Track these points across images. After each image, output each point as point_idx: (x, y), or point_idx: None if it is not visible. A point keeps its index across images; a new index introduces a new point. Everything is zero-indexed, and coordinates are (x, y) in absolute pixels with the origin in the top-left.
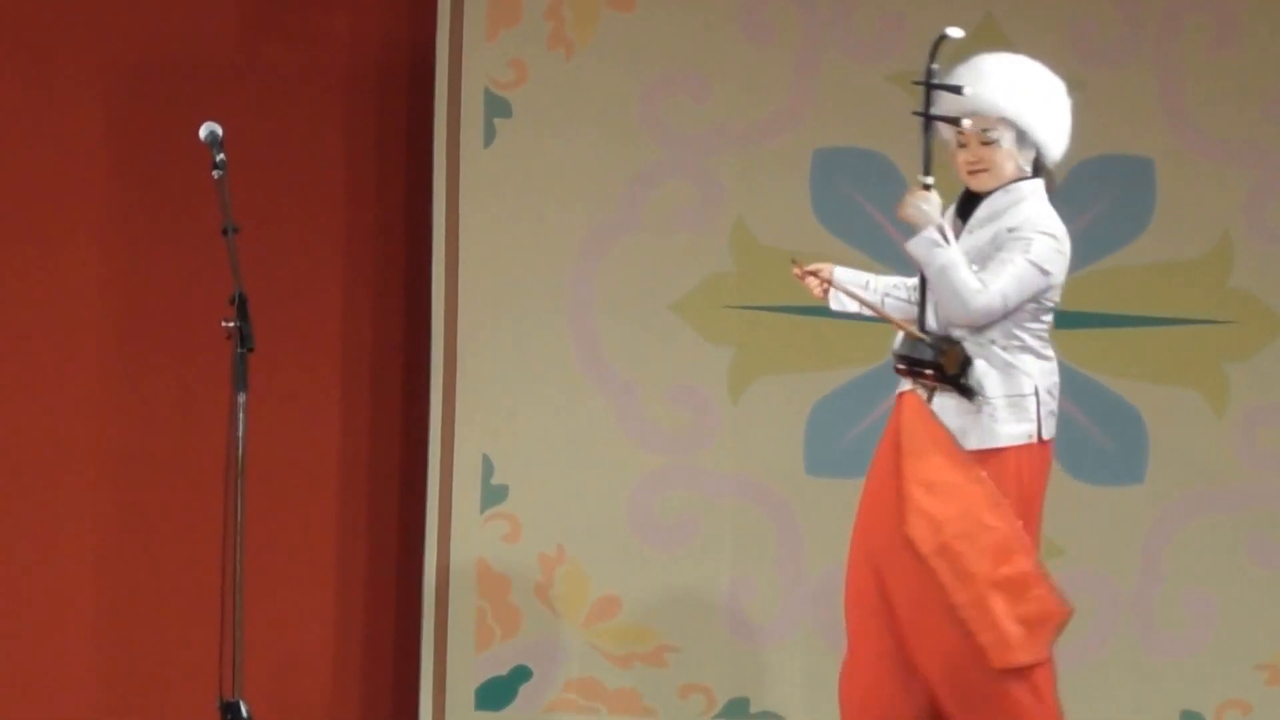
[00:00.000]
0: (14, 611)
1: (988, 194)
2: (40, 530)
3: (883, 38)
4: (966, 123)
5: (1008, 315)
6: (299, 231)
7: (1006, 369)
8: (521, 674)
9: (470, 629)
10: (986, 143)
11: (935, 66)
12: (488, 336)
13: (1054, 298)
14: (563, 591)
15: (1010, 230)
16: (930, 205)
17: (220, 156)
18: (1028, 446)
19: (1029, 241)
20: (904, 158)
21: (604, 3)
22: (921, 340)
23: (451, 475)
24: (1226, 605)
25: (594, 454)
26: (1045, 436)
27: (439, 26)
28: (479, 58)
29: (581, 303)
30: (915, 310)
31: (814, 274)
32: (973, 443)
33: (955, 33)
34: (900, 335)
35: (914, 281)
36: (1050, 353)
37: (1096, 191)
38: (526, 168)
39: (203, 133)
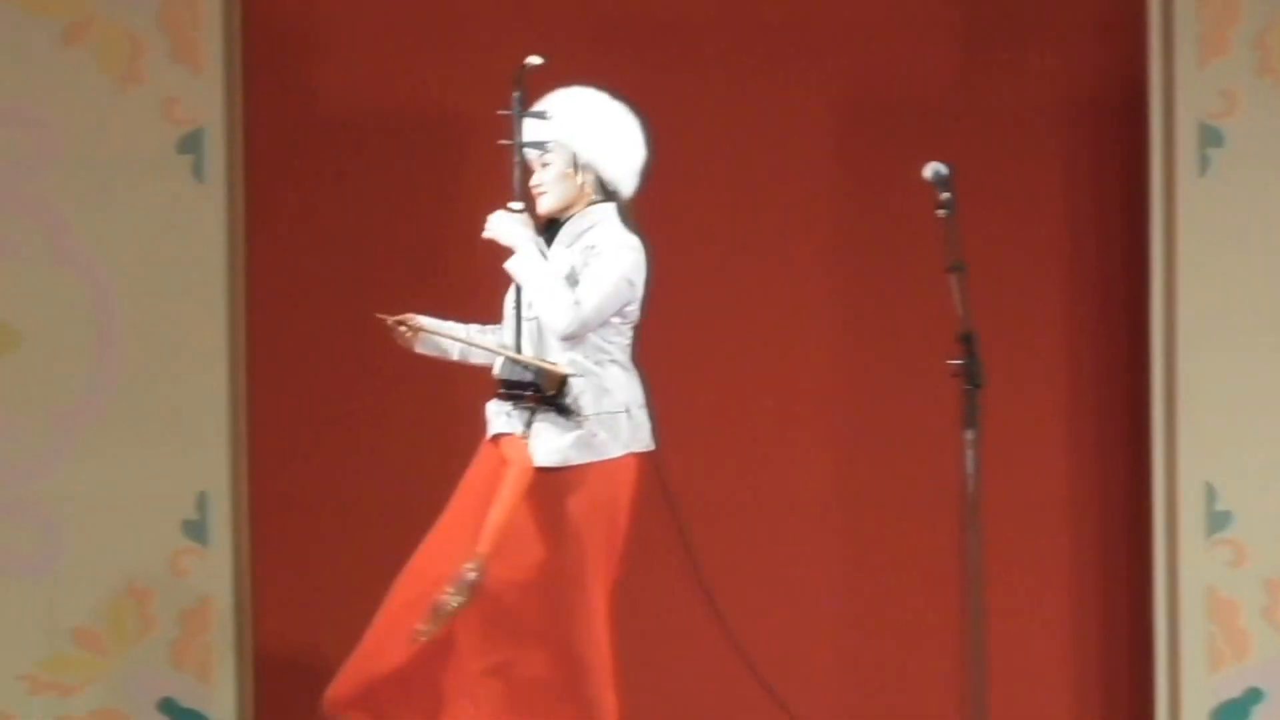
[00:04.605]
0: (768, 631)
1: (565, 221)
2: (788, 563)
3: None
4: (531, 150)
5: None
6: (1022, 267)
7: (598, 385)
8: (1254, 696)
9: (1201, 651)
10: (545, 165)
11: (517, 94)
12: (1208, 365)
13: (636, 312)
14: None
15: (593, 249)
16: (523, 226)
17: (946, 195)
18: (621, 461)
19: (615, 257)
20: None
21: None
22: (520, 363)
23: (1176, 502)
24: None
25: None
26: (637, 449)
27: (1151, 59)
28: (1191, 89)
29: None
30: (506, 339)
31: (401, 323)
32: (573, 458)
33: (535, 60)
34: (500, 361)
35: (494, 325)
36: (632, 367)
37: None
38: (1242, 195)
39: (928, 172)
